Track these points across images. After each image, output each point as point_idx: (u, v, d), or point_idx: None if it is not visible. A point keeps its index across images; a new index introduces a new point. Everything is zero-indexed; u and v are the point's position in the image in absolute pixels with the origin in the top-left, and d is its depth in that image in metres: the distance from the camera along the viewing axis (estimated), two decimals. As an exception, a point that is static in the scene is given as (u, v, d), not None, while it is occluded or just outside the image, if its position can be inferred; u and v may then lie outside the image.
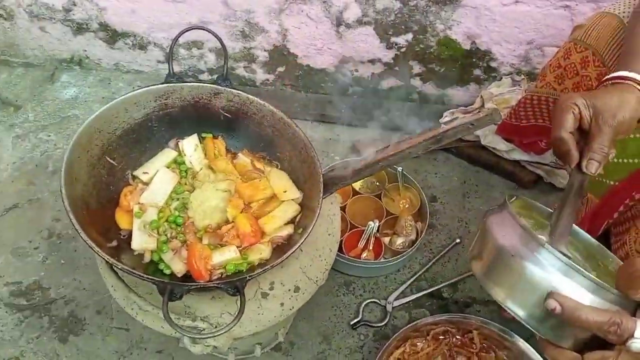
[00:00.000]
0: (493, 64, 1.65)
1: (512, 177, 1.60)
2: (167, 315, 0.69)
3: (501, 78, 1.67)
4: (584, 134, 0.74)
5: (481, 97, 1.61)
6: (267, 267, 0.80)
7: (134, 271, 0.74)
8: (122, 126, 0.94)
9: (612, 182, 1.03)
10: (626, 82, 0.79)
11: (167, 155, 0.99)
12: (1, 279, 1.36)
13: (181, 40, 1.71)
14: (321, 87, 1.79)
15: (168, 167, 0.97)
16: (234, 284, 0.75)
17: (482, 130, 1.56)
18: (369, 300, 1.34)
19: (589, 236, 0.82)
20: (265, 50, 1.70)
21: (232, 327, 0.68)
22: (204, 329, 0.84)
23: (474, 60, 1.65)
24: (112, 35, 1.73)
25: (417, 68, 1.68)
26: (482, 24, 1.55)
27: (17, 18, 1.75)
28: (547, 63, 1.22)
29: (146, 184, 0.94)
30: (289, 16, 1.59)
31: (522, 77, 1.65)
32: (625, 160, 0.99)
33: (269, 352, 1.25)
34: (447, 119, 1.60)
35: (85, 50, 1.81)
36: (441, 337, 1.20)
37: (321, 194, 0.89)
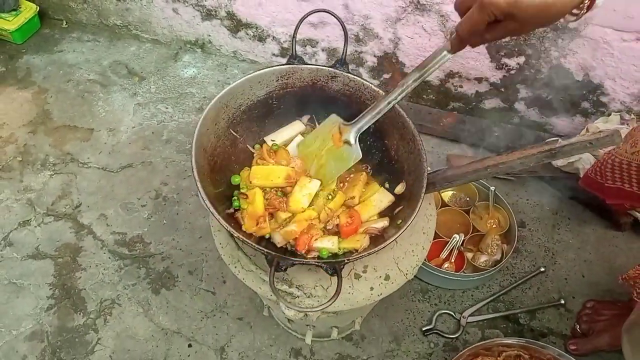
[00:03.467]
0: (603, 99, 1.61)
1: (607, 216, 1.55)
2: (273, 284, 0.75)
3: (610, 114, 1.62)
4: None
5: (587, 129, 1.58)
6: (363, 253, 0.84)
7: (248, 240, 0.80)
8: (246, 102, 1.02)
9: None
10: None
11: (297, 126, 1.06)
12: (109, 228, 1.50)
13: (298, 37, 1.81)
14: (422, 99, 1.82)
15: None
16: (333, 265, 0.80)
17: (584, 163, 1.52)
18: (443, 311, 1.35)
19: None
20: (375, 56, 1.76)
21: (327, 306, 0.73)
22: (297, 296, 0.90)
23: (584, 92, 1.62)
24: (236, 25, 1.86)
25: (523, 92, 1.68)
26: (598, 56, 1.52)
27: (155, -2, 1.92)
28: (638, 130, 1.18)
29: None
30: (404, 26, 1.64)
31: (632, 116, 1.60)
32: None
33: (340, 340, 1.29)
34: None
35: (210, 36, 1.95)
36: (512, 360, 1.19)
37: (424, 189, 0.91)
